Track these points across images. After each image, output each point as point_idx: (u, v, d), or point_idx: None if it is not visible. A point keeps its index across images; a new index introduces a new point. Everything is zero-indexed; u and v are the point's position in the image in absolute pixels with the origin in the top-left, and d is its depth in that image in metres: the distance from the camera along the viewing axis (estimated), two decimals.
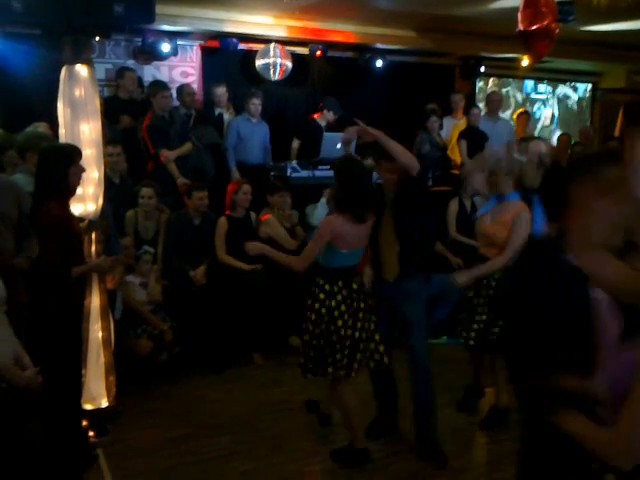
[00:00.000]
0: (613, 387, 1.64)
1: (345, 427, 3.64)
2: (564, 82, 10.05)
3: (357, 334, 3.41)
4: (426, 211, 3.90)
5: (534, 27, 4.85)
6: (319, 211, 5.71)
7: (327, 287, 3.39)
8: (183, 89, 6.54)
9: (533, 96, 9.67)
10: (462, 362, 4.32)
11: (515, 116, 8.72)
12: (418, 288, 3.62)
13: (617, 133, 9.26)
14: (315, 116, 6.82)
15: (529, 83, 9.59)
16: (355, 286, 3.45)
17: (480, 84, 9.19)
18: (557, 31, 5.04)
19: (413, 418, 3.65)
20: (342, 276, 3.41)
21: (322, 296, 3.39)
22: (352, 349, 3.38)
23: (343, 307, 3.37)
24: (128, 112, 6.12)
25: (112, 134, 5.31)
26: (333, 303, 3.36)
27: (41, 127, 4.60)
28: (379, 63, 7.87)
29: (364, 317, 3.44)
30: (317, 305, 3.39)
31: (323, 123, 6.76)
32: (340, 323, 3.35)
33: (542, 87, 9.76)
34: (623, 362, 1.60)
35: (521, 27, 4.93)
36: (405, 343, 3.61)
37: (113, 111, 5.72)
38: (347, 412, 3.53)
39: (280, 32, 7.07)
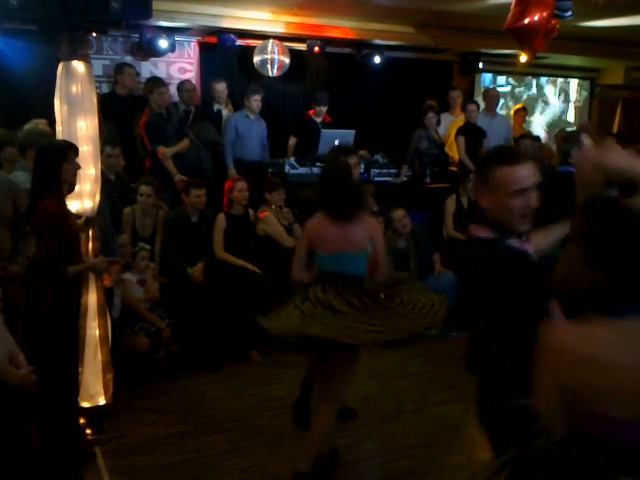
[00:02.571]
0: None
1: None
2: (562, 77, 10.04)
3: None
4: None
5: (524, 22, 4.80)
6: None
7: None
8: (182, 85, 6.51)
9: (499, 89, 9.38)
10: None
11: (512, 112, 8.71)
12: None
13: (615, 129, 9.26)
14: (310, 113, 6.82)
15: (487, 76, 9.33)
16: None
17: None
18: (557, 26, 5.00)
19: None
20: (322, 281, 3.16)
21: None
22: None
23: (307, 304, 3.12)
24: (126, 108, 6.10)
25: (110, 131, 5.29)
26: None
27: (41, 124, 4.59)
28: (377, 59, 7.84)
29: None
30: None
31: (319, 119, 6.75)
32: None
33: (502, 79, 9.53)
34: None
35: (509, 24, 4.89)
36: None
37: (111, 107, 5.70)
38: None
39: (278, 28, 7.04)
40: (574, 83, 10.11)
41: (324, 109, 6.75)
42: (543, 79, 9.87)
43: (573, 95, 10.15)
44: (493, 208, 1.92)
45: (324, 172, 3.40)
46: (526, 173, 1.88)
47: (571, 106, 10.17)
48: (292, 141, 6.74)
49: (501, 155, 2.01)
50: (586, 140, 4.20)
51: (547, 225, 4.46)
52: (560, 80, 10.00)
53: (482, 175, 1.96)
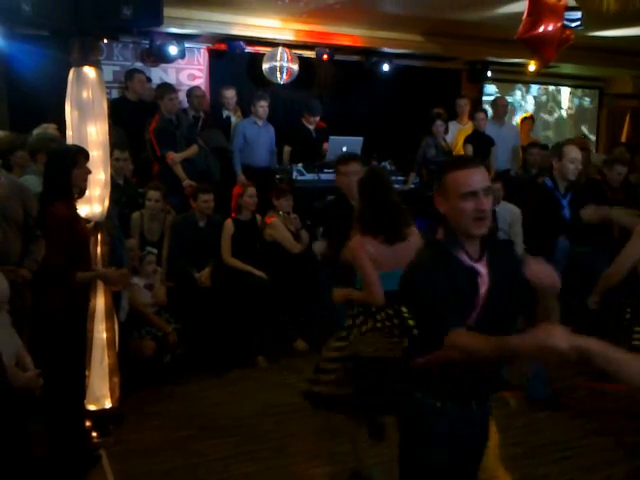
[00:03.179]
0: None
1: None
2: (570, 87, 10.02)
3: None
4: None
5: (535, 33, 4.81)
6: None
7: (356, 311, 3.10)
8: (192, 92, 6.56)
9: (484, 98, 9.17)
10: None
11: (520, 120, 8.71)
12: None
13: (624, 139, 9.25)
14: (304, 120, 6.82)
15: None
16: (393, 311, 3.03)
17: None
18: (572, 37, 5.00)
19: None
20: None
21: (350, 322, 3.11)
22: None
23: (363, 328, 3.06)
24: (136, 114, 6.15)
25: (118, 136, 5.33)
26: (355, 330, 3.08)
27: (50, 129, 4.63)
28: (386, 67, 7.88)
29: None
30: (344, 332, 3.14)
31: (312, 126, 6.76)
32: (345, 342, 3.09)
33: (491, 88, 9.39)
34: None
35: (520, 34, 4.90)
36: None
37: (121, 113, 5.75)
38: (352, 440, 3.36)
39: (287, 35, 7.09)
40: (566, 91, 10.07)
41: (317, 119, 6.75)
42: (534, 87, 9.83)
43: (565, 103, 10.12)
44: (449, 213, 2.01)
45: (364, 193, 3.16)
46: (476, 177, 1.96)
47: (563, 114, 10.13)
48: (287, 149, 6.75)
49: (454, 161, 2.17)
50: (573, 152, 4.18)
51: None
52: (552, 88, 9.97)
53: (438, 182, 2.07)
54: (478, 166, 2.01)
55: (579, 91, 10.14)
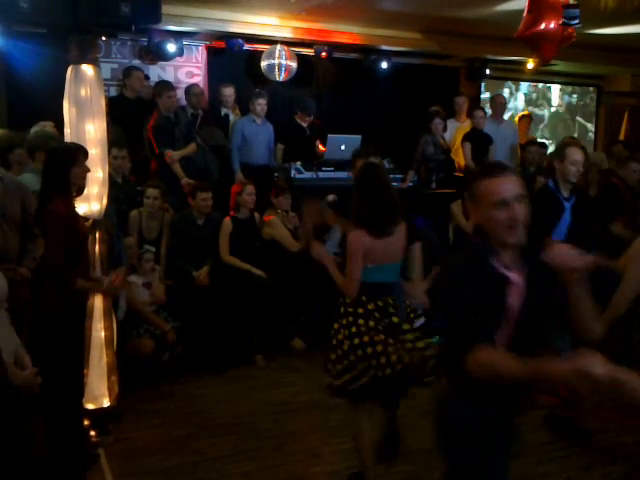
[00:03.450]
0: None
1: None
2: (569, 85, 10.01)
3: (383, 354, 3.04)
4: None
5: (536, 30, 4.81)
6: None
7: (348, 301, 3.12)
8: (190, 89, 6.55)
9: (482, 97, 9.12)
10: None
11: (517, 119, 8.71)
12: None
13: (622, 137, 9.26)
14: (297, 117, 6.80)
15: None
16: (382, 303, 3.11)
17: None
18: (574, 34, 4.99)
19: None
20: (367, 292, 3.09)
21: (342, 310, 3.14)
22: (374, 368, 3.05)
23: (361, 321, 3.07)
24: (134, 111, 6.14)
25: (116, 133, 5.32)
26: (350, 319, 3.09)
27: (48, 126, 4.62)
28: (384, 65, 7.87)
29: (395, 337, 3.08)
30: (336, 325, 3.15)
31: (305, 124, 6.74)
32: (357, 341, 3.05)
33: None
34: None
35: (520, 32, 4.89)
36: None
37: (119, 110, 5.73)
38: (356, 437, 3.25)
39: (285, 33, 7.07)
40: (556, 88, 10.04)
41: (311, 118, 6.73)
42: (523, 85, 9.80)
43: (555, 100, 10.09)
44: (482, 221, 2.00)
45: (360, 187, 3.16)
46: (507, 185, 1.94)
47: (555, 111, 10.09)
48: (279, 147, 6.73)
49: (484, 169, 2.14)
50: (575, 154, 4.12)
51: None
52: (540, 85, 9.92)
53: (470, 190, 2.05)
54: (509, 174, 1.98)
55: (569, 88, 10.12)
